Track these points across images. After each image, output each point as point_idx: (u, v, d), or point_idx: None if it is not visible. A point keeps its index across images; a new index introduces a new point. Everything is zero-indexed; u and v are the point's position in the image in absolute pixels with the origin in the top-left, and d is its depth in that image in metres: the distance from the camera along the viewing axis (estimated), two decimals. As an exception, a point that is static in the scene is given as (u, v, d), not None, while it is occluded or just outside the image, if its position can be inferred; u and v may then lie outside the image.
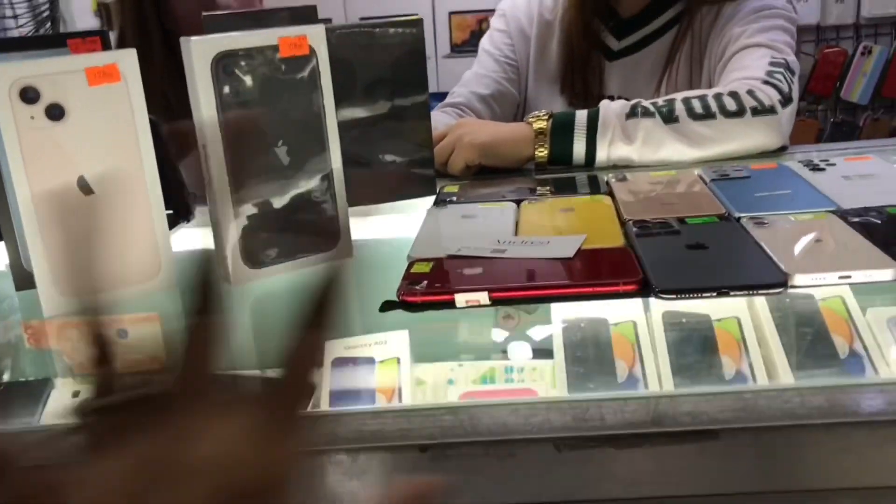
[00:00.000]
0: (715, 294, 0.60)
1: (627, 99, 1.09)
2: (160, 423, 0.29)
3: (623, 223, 0.78)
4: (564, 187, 0.96)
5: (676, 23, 1.25)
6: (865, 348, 0.55)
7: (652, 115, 1.02)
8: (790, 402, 0.49)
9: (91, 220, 0.33)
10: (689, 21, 1.23)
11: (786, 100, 1.04)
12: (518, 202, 0.88)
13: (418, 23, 0.93)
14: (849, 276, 0.61)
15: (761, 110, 1.02)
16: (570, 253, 0.70)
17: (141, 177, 0.71)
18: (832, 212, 0.75)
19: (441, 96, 1.37)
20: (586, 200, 0.88)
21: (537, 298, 0.65)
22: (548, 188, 0.95)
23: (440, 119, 1.23)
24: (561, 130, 1.05)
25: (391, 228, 0.92)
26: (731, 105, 1.02)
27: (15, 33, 1.75)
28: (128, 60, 0.69)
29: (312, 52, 0.73)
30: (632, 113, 1.03)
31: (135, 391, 0.30)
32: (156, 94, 1.23)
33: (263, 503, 0.28)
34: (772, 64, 1.08)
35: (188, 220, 0.92)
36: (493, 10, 1.40)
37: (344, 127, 0.89)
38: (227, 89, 0.70)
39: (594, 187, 0.94)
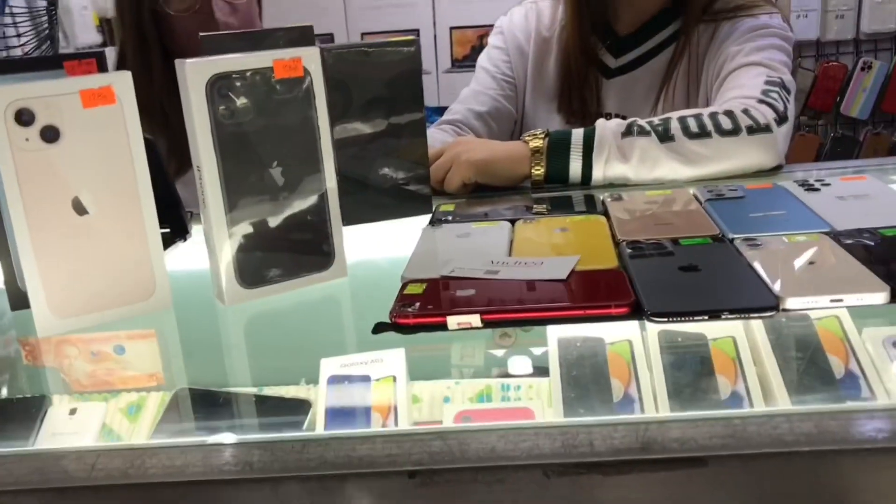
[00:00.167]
0: (706, 317, 0.60)
1: (624, 117, 1.09)
2: None
3: (617, 243, 0.78)
4: (560, 206, 0.96)
5: (673, 41, 1.25)
6: (861, 368, 0.55)
7: (648, 134, 1.02)
8: (779, 429, 0.49)
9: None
10: (686, 39, 1.23)
11: (781, 119, 1.04)
12: (513, 221, 0.89)
13: (414, 42, 0.94)
14: (840, 300, 0.61)
15: (757, 129, 1.02)
16: (563, 274, 0.70)
17: (135, 198, 0.72)
18: (826, 233, 0.75)
19: (442, 111, 1.38)
20: (581, 220, 0.88)
21: (529, 321, 0.65)
22: (544, 207, 0.96)
23: (437, 137, 1.23)
24: (557, 149, 1.05)
25: (387, 247, 0.92)
26: (726, 124, 1.02)
27: (17, 50, 1.76)
28: (123, 82, 0.70)
29: (307, 73, 0.73)
30: (628, 132, 1.03)
31: None
32: (155, 110, 1.25)
33: None
34: (767, 83, 1.09)
35: (185, 239, 0.93)
36: (493, 26, 1.40)
37: (340, 146, 0.90)
38: (221, 111, 0.70)
39: (590, 206, 0.94)
